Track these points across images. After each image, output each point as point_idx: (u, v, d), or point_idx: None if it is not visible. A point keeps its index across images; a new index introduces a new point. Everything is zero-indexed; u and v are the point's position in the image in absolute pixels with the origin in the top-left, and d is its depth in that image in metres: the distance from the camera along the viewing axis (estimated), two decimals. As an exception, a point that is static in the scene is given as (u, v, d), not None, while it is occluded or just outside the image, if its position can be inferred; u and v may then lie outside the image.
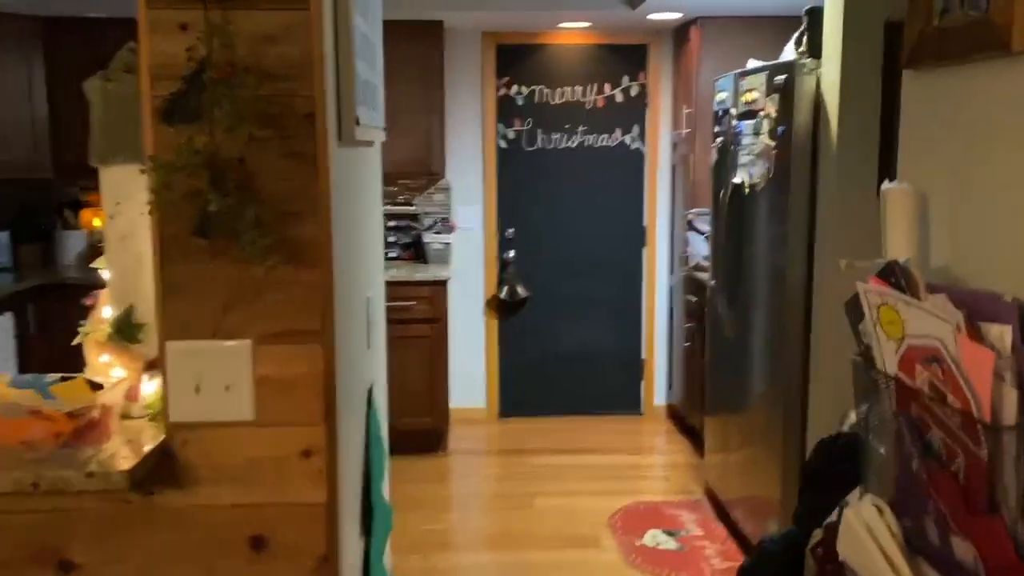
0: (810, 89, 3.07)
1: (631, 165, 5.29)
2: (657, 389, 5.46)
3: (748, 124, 3.47)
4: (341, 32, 1.64)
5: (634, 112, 5.25)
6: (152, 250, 1.55)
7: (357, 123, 1.68)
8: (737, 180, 3.59)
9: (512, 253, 5.32)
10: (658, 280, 5.37)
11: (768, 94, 3.27)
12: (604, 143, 5.27)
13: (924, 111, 1.38)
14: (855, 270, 1.40)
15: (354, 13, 1.70)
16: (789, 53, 3.56)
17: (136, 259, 1.78)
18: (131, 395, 1.70)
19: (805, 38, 3.19)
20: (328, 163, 1.57)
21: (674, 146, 5.24)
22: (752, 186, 3.44)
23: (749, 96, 3.46)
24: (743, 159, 3.54)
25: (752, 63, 3.73)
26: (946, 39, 1.24)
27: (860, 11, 2.86)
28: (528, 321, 5.39)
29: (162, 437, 1.56)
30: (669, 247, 5.33)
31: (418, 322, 4.66)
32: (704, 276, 4.49)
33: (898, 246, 1.29)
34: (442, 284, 4.67)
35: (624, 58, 5.20)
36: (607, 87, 5.23)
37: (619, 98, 5.24)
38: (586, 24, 4.96)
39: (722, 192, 3.69)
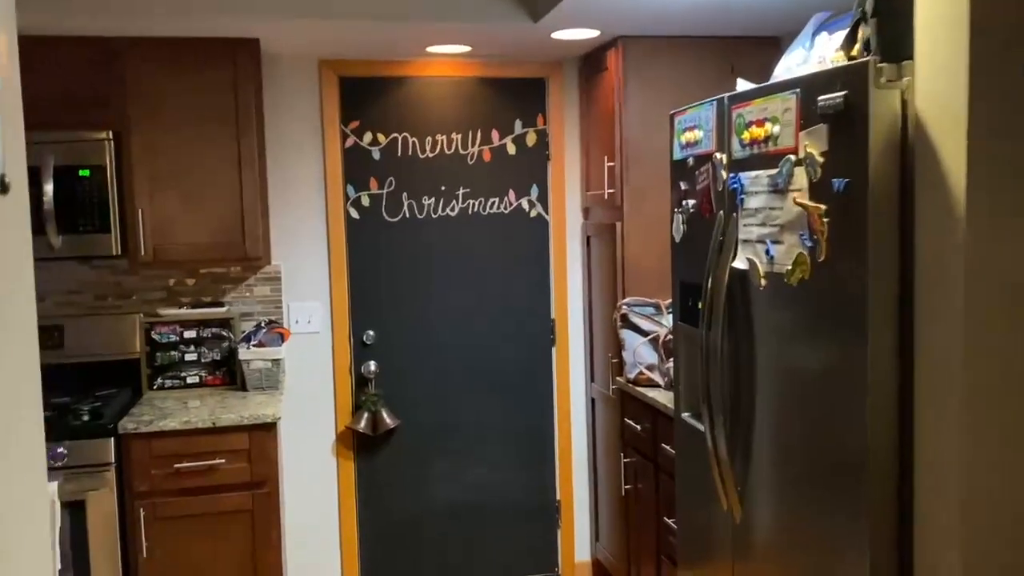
0: (891, 113, 1.79)
1: (532, 238, 3.92)
2: (579, 540, 4.02)
3: (757, 177, 2.16)
4: None
5: (532, 167, 3.90)
6: None
7: None
8: (739, 265, 2.26)
9: (373, 366, 3.79)
10: (573, 393, 3.98)
11: (804, 126, 1.97)
12: (494, 209, 3.88)
13: None
14: None
15: None
16: (791, 69, 2.31)
17: None
18: None
19: (865, 32, 1.92)
20: None
21: (586, 211, 3.92)
22: (772, 275, 2.11)
23: (757, 132, 2.16)
24: (749, 232, 2.21)
25: (743, 84, 2.45)
26: None
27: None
28: (397, 461, 3.85)
29: None
30: (586, 347, 3.95)
31: (231, 490, 3.03)
32: (655, 395, 3.12)
33: None
34: (268, 428, 3.07)
35: (516, 97, 3.86)
36: (495, 135, 3.86)
37: (511, 149, 3.87)
38: (464, 49, 3.59)
39: (709, 281, 2.35)
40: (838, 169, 1.87)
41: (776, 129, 2.08)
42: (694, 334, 2.54)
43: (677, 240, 2.67)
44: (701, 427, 2.49)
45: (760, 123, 2.15)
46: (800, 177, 1.99)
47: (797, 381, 2.06)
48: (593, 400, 3.90)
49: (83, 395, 3.23)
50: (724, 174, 2.34)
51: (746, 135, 2.21)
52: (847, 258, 1.85)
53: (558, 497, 3.99)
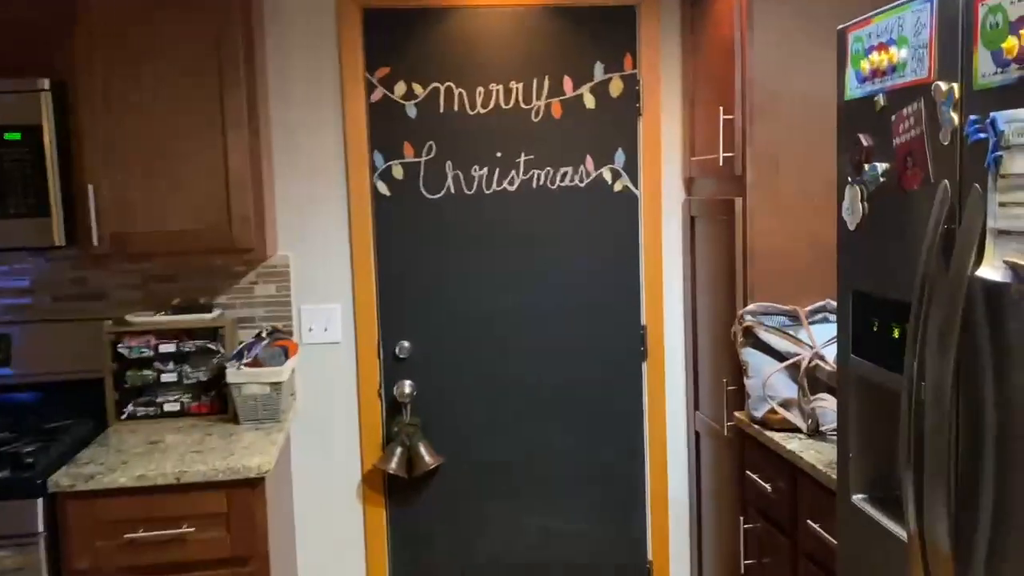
0: None
1: (616, 219, 2.99)
2: (675, 612, 3.11)
3: (1037, 115, 1.20)
4: None
5: (618, 126, 2.96)
6: None
7: None
8: (990, 274, 1.30)
9: (408, 386, 2.93)
10: (670, 424, 3.05)
11: None
12: (567, 181, 2.96)
13: None
14: None
15: None
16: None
17: None
18: None
19: None
20: None
21: (690, 183, 2.97)
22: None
23: (1039, 33, 1.19)
24: (1014, 216, 1.25)
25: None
26: None
27: None
28: (441, 510, 2.99)
29: None
30: (689, 364, 3.02)
31: (204, 568, 2.22)
32: (794, 446, 2.18)
33: None
34: (252, 485, 2.24)
35: (597, 31, 2.92)
36: (567, 84, 2.93)
37: (589, 102, 2.94)
38: (526, -33, 2.68)
39: (924, 295, 1.40)
40: None
41: (1090, 23, 1.11)
42: (880, 376, 1.59)
43: (850, 226, 1.71)
44: (893, 525, 1.56)
45: (1048, 16, 1.18)
46: None
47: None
48: (698, 434, 2.97)
49: (32, 429, 2.47)
50: (954, 117, 1.37)
51: (1010, 43, 1.25)
52: None
53: (650, 557, 3.08)
